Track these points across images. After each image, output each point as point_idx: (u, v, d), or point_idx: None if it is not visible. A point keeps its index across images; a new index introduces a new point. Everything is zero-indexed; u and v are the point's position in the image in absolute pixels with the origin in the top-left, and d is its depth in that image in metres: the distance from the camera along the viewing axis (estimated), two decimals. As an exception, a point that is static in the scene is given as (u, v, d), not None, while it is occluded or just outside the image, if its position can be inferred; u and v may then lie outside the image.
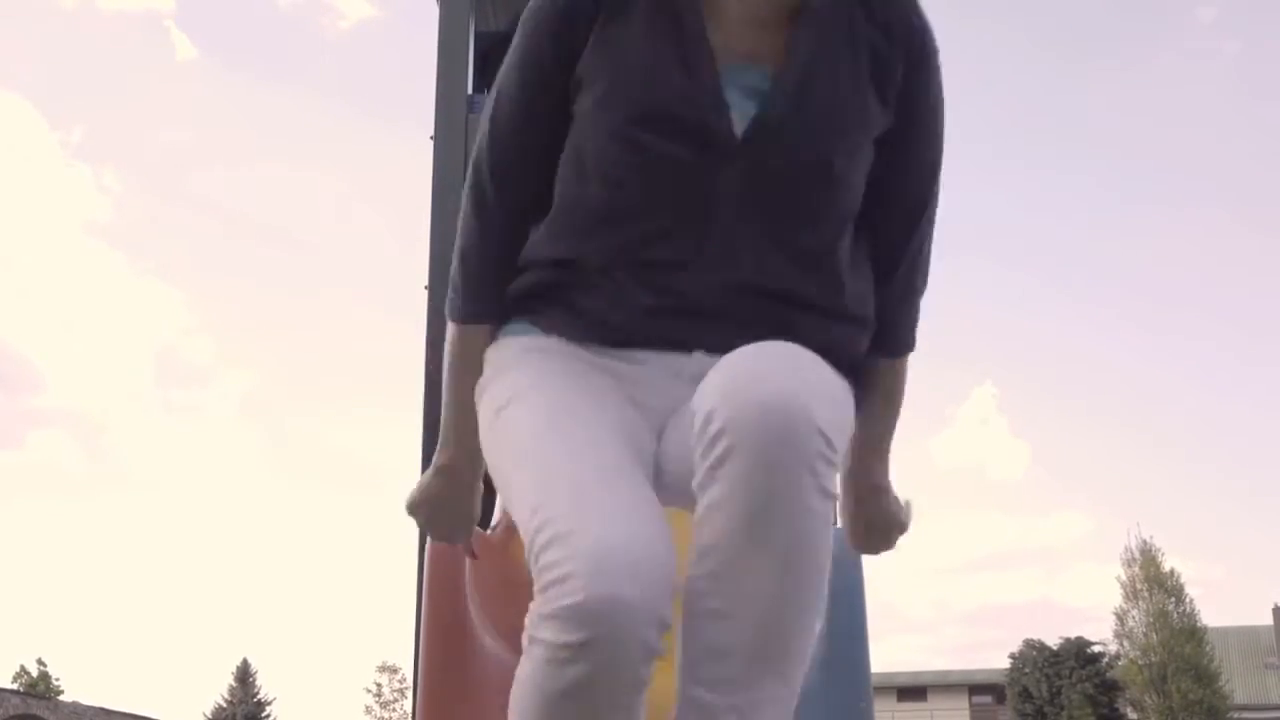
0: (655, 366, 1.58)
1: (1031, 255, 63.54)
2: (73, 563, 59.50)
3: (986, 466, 67.29)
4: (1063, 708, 37.87)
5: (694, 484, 1.38)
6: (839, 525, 1.73)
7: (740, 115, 1.55)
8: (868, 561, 2.07)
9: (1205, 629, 34.76)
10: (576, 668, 1.28)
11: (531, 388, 1.57)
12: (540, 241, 1.64)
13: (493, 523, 2.51)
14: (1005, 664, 41.56)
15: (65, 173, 61.79)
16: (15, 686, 33.24)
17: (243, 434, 62.93)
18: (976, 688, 48.45)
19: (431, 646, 2.03)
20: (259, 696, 44.69)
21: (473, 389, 1.67)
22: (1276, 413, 59.36)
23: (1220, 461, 60.62)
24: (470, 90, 3.85)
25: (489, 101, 1.67)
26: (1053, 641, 39.79)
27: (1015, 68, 62.20)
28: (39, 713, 25.24)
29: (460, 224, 1.69)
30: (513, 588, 2.12)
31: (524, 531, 1.38)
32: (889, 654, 56.87)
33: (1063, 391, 63.08)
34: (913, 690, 48.36)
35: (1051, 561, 66.49)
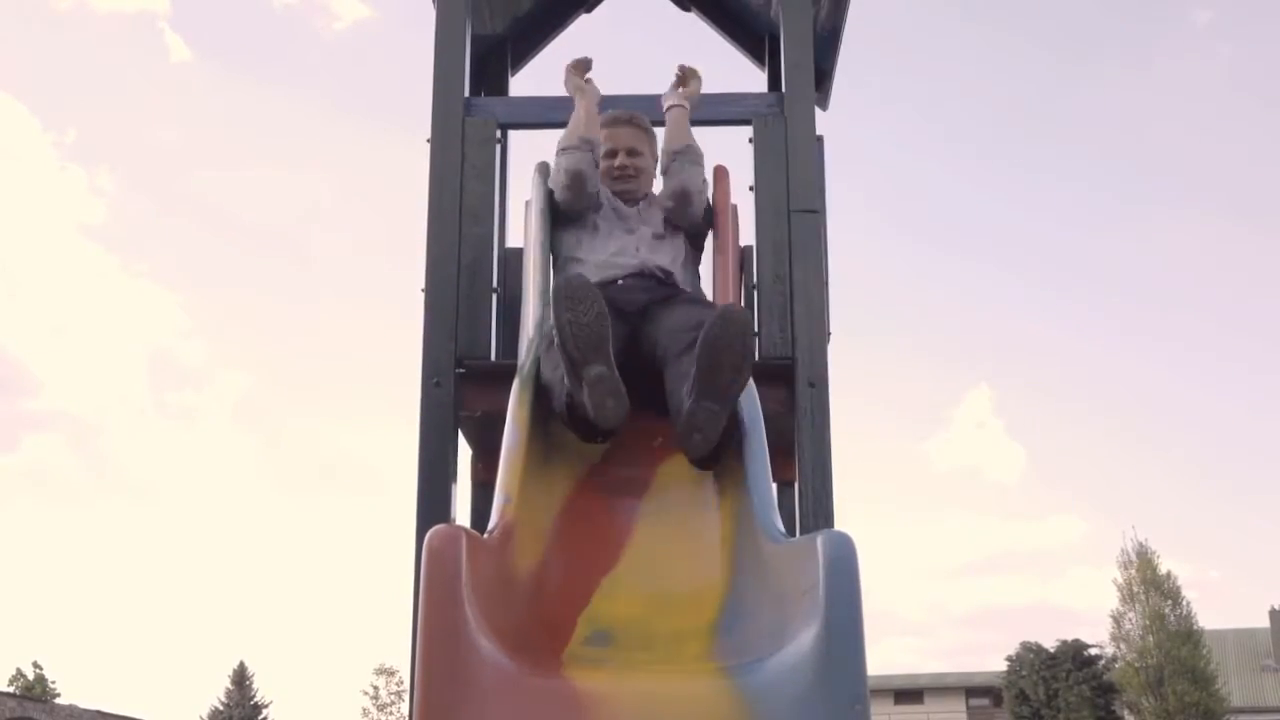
0: None
1: (1027, 257, 63.66)
2: (69, 565, 59.51)
3: (983, 469, 67.34)
4: (1060, 710, 37.88)
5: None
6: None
7: None
8: (865, 563, 2.08)
9: (1202, 631, 34.79)
10: None
11: None
12: None
13: (490, 525, 2.52)
14: (1002, 666, 41.60)
15: (59, 175, 61.71)
16: (12, 689, 33.22)
17: (238, 436, 62.94)
18: (973, 690, 48.49)
19: (429, 648, 2.03)
20: (256, 699, 44.67)
21: None
22: (1273, 415, 59.50)
23: (1217, 464, 60.78)
24: (467, 93, 3.85)
25: None
26: (1049, 644, 39.83)
27: (1012, 69, 62.30)
28: (35, 715, 25.23)
29: None
30: (510, 589, 2.12)
31: None
32: (885, 656, 56.77)
33: (1059, 394, 63.15)
34: (909, 693, 48.39)
35: (1048, 564, 66.61)
